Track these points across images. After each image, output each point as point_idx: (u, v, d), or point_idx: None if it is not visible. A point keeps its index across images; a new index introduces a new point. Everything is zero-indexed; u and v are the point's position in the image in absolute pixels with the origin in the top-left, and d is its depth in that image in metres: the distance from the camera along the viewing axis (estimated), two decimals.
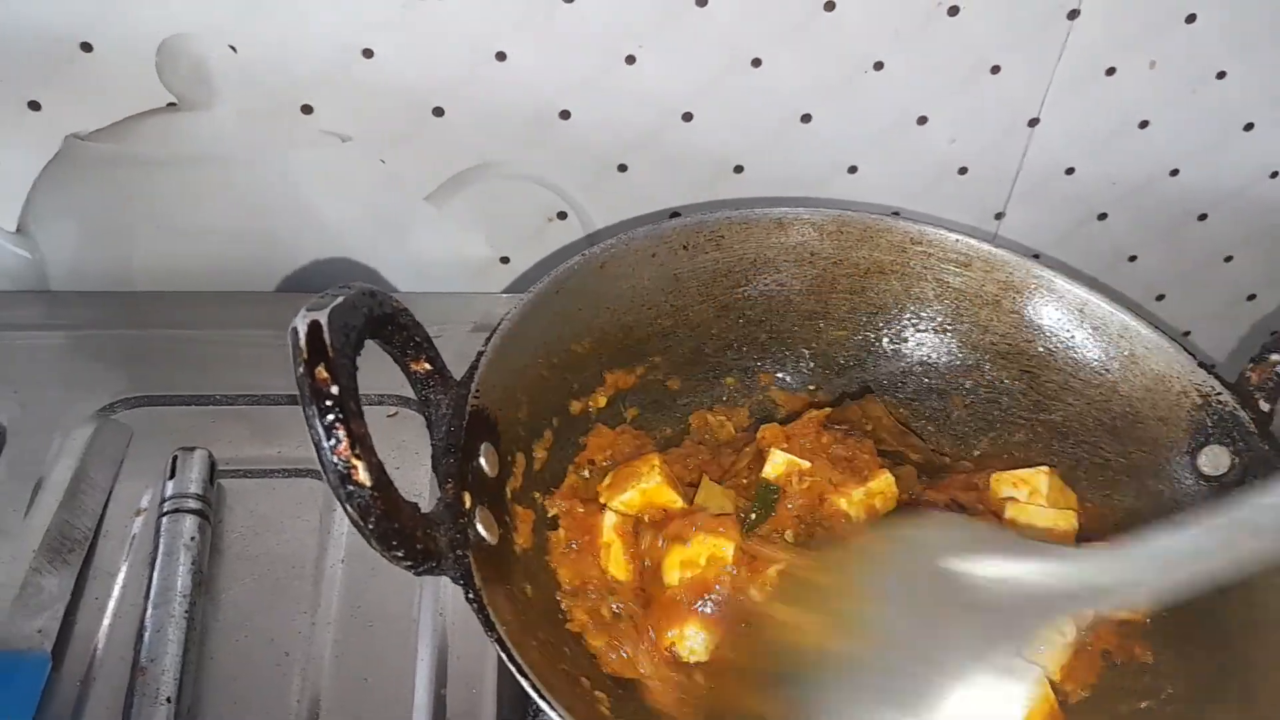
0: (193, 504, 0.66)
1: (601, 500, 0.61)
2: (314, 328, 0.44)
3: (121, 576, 0.65)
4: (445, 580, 0.65)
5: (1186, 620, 0.58)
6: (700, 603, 0.57)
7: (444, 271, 0.86)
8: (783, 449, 0.61)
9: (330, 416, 0.42)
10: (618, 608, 0.58)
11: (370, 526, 0.43)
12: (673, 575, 0.58)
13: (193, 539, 0.64)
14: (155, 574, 0.63)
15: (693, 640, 0.57)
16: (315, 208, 0.81)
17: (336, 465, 0.42)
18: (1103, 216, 0.90)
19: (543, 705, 0.44)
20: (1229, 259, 0.94)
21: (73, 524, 0.66)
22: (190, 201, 0.80)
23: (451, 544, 0.48)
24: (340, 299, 0.46)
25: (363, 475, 0.43)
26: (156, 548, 0.64)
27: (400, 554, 0.45)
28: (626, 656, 0.56)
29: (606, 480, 0.62)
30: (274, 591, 0.65)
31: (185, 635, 0.60)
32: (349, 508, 0.43)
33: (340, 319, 0.45)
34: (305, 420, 0.43)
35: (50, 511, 0.66)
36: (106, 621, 0.63)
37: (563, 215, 0.83)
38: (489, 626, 0.46)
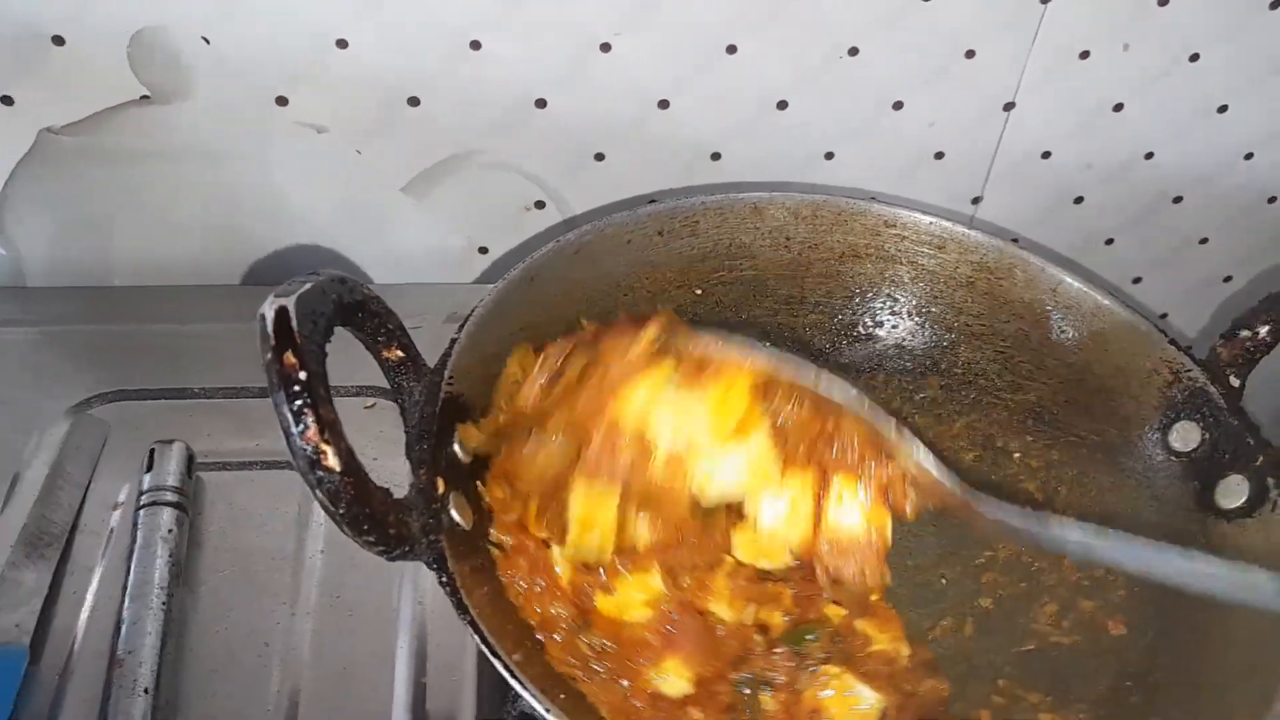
0: (170, 497, 0.66)
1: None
2: (281, 313, 0.44)
3: (99, 571, 0.65)
4: (425, 569, 0.66)
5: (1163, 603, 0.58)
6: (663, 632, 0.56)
7: (421, 262, 0.86)
8: None
9: (298, 402, 0.42)
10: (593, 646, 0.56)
11: (341, 511, 0.43)
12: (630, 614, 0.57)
13: (170, 531, 0.64)
14: (133, 567, 0.62)
15: (673, 677, 0.56)
16: (292, 200, 0.81)
17: (305, 450, 0.42)
18: (1079, 200, 0.90)
19: (516, 687, 0.44)
20: (1204, 241, 0.94)
21: (49, 519, 0.66)
22: (166, 195, 0.79)
23: (425, 529, 0.48)
24: (308, 285, 0.46)
25: (332, 460, 0.43)
26: (134, 541, 0.64)
27: (372, 539, 0.45)
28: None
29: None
30: (253, 583, 0.65)
31: (163, 627, 0.60)
32: (319, 493, 0.43)
33: (308, 305, 0.45)
34: (274, 406, 0.43)
35: (26, 507, 0.66)
36: (84, 615, 0.62)
37: (540, 204, 0.83)
38: (462, 609, 0.46)
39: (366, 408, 0.75)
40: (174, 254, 0.82)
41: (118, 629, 0.60)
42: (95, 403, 0.74)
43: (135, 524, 0.65)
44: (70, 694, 0.59)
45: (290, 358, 0.43)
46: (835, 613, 0.59)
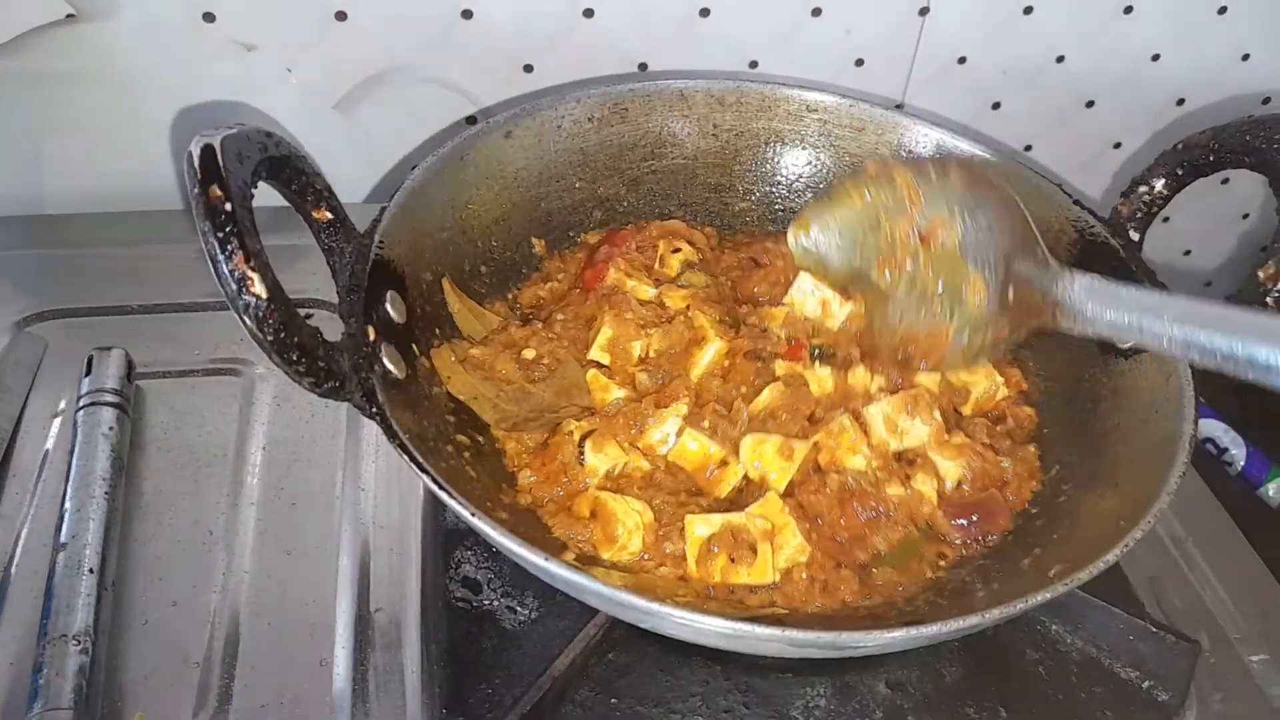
0: (110, 398, 0.66)
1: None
2: (207, 150, 0.45)
3: (41, 476, 0.65)
4: (366, 458, 0.67)
5: (1068, 425, 0.61)
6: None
7: (355, 182, 0.87)
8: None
9: (224, 230, 0.43)
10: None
11: (269, 339, 0.44)
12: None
13: (110, 429, 0.65)
14: (74, 461, 0.63)
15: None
16: (223, 120, 0.81)
17: (232, 275, 0.43)
18: (996, 106, 0.93)
19: (445, 499, 0.45)
20: (1118, 145, 0.98)
21: None
22: (96, 119, 0.79)
23: (355, 368, 0.49)
24: (234, 130, 0.47)
25: (258, 287, 0.44)
26: (75, 441, 0.64)
27: (301, 368, 0.46)
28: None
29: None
30: (196, 478, 0.66)
31: (106, 515, 0.60)
32: (245, 318, 0.44)
33: (234, 146, 0.46)
34: (201, 238, 0.44)
35: None
36: (28, 514, 0.63)
37: (472, 120, 0.85)
38: (391, 434, 0.47)
39: (304, 318, 0.76)
40: (106, 179, 0.82)
41: (61, 519, 0.60)
42: (32, 321, 0.74)
43: (75, 425, 0.65)
44: (16, 584, 0.59)
45: (216, 190, 0.44)
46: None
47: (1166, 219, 0.67)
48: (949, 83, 0.91)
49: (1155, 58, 0.93)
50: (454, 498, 0.45)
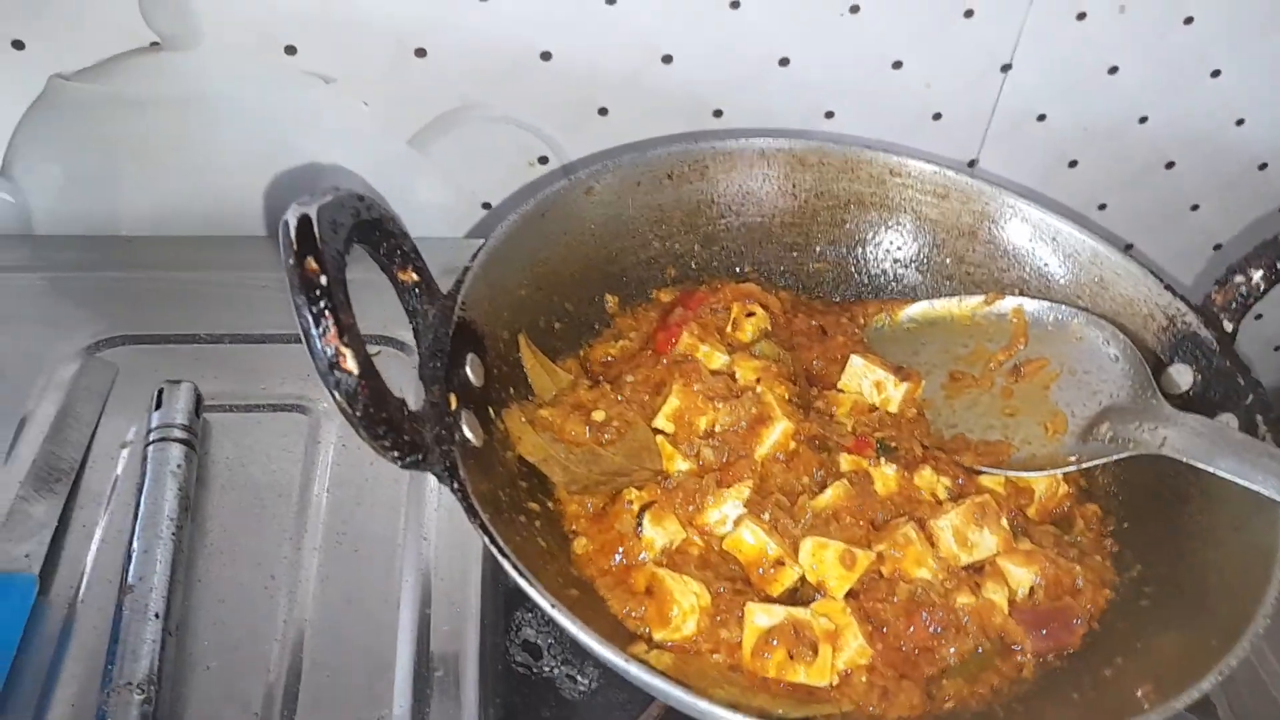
0: (179, 434, 0.66)
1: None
2: (304, 221, 0.44)
3: (109, 505, 0.65)
4: (429, 505, 0.67)
5: (1150, 522, 0.60)
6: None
7: (426, 216, 0.87)
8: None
9: (319, 305, 0.43)
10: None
11: (357, 414, 0.44)
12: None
13: (179, 466, 0.65)
14: (142, 499, 0.63)
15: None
16: (298, 150, 0.82)
17: (325, 352, 0.43)
18: (1073, 164, 0.91)
19: (524, 585, 0.45)
20: (1195, 207, 0.96)
21: (59, 455, 0.67)
22: (174, 144, 0.80)
23: (437, 439, 0.49)
24: (329, 197, 0.47)
25: (350, 363, 0.44)
26: (143, 476, 0.64)
27: (387, 443, 0.45)
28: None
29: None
30: (260, 519, 0.66)
31: (173, 556, 0.61)
32: (336, 394, 0.44)
33: (329, 215, 0.46)
34: (295, 310, 0.44)
35: (36, 444, 0.67)
36: (94, 547, 0.63)
37: (544, 160, 0.84)
38: (472, 513, 0.47)
39: (372, 355, 0.76)
40: (182, 203, 0.83)
41: (128, 558, 0.60)
42: (103, 347, 0.74)
43: (145, 459, 0.65)
44: (80, 620, 0.59)
45: (312, 263, 0.44)
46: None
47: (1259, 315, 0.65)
48: (1026, 138, 0.89)
49: (1240, 122, 0.91)
50: (537, 589, 0.44)
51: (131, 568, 0.59)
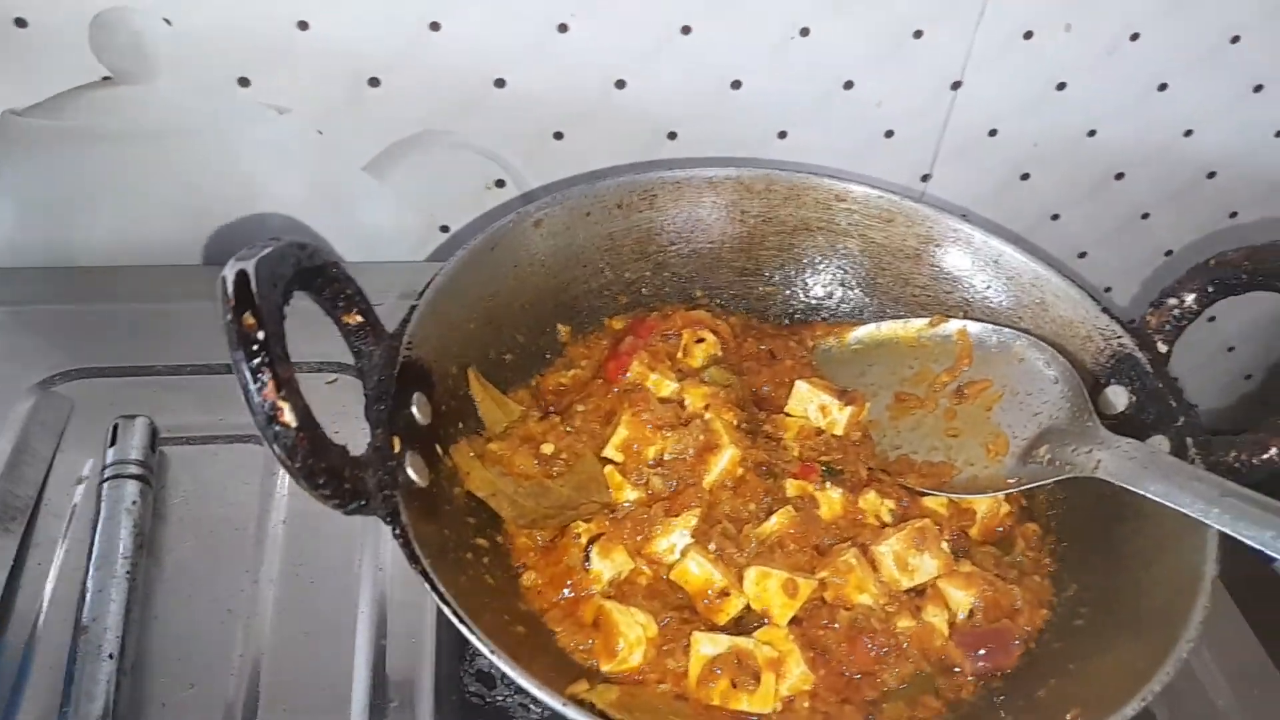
0: (134, 470, 0.67)
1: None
2: (241, 276, 0.45)
3: (64, 543, 0.65)
4: (385, 537, 0.67)
5: (1087, 542, 0.61)
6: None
7: (384, 241, 0.87)
8: None
9: (256, 360, 0.44)
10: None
11: (296, 465, 0.45)
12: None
13: (134, 503, 0.65)
14: (97, 538, 0.63)
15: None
16: (255, 180, 0.82)
17: (263, 407, 0.44)
18: (1025, 176, 0.93)
19: (465, 633, 0.45)
20: (1146, 216, 0.97)
21: (14, 493, 0.67)
22: (129, 177, 0.80)
23: (380, 484, 0.49)
24: (269, 249, 0.47)
25: (288, 416, 0.44)
26: (98, 513, 0.65)
27: (327, 492, 0.46)
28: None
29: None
30: (217, 553, 0.66)
31: (127, 595, 0.61)
32: (275, 447, 0.44)
33: (268, 268, 0.46)
34: (232, 365, 0.44)
35: None
36: (49, 586, 0.63)
37: (500, 183, 0.85)
38: (413, 559, 0.48)
39: (328, 383, 0.77)
40: (136, 235, 0.83)
41: (82, 597, 0.61)
42: (59, 380, 0.75)
43: (99, 497, 0.66)
44: (37, 661, 0.60)
45: (249, 318, 0.44)
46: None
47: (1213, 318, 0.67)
48: (978, 153, 0.90)
49: (1188, 133, 0.92)
50: (477, 635, 0.45)
51: (86, 608, 0.60)
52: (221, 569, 0.65)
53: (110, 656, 0.58)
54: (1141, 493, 0.54)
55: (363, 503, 0.48)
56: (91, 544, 0.63)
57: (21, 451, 0.69)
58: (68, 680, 0.57)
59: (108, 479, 0.66)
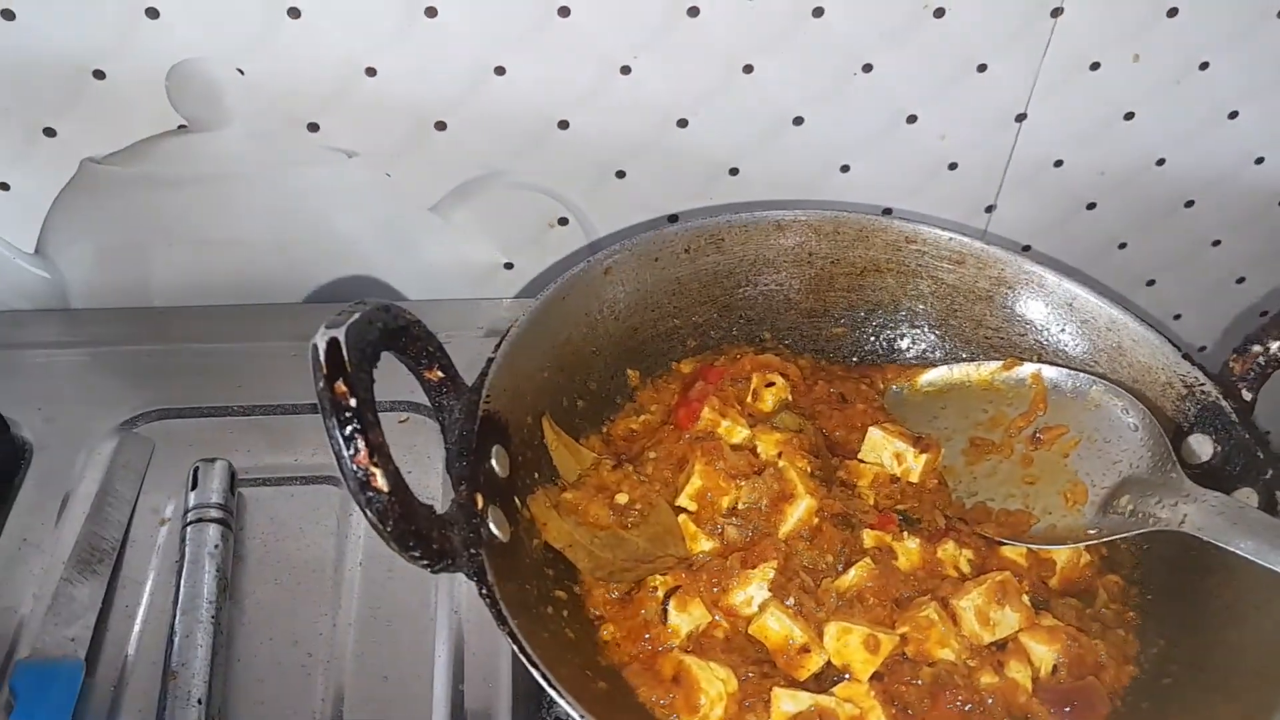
0: (215, 513, 0.68)
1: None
2: (332, 344, 0.46)
3: (149, 585, 0.67)
4: (460, 579, 0.68)
5: (1172, 595, 0.60)
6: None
7: (451, 279, 0.88)
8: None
9: (350, 428, 0.45)
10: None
11: (389, 529, 0.46)
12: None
13: (216, 547, 0.67)
14: (182, 582, 0.65)
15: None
16: (324, 221, 0.84)
17: (356, 473, 0.45)
18: (1092, 206, 0.92)
19: (552, 694, 0.46)
20: (1217, 243, 0.96)
21: (100, 535, 0.69)
22: (203, 219, 0.82)
23: (465, 543, 0.50)
24: (356, 315, 0.48)
25: (381, 482, 0.45)
26: (182, 557, 0.66)
27: (417, 554, 0.47)
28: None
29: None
30: (296, 595, 0.68)
31: (213, 640, 0.63)
32: (369, 513, 0.45)
33: (357, 334, 0.47)
34: (326, 432, 0.45)
35: (78, 524, 0.69)
36: (136, 628, 0.65)
37: (564, 221, 0.86)
38: (501, 620, 0.48)
39: (400, 423, 0.78)
40: (212, 275, 0.85)
41: (170, 642, 0.62)
42: (140, 421, 0.77)
43: (183, 540, 0.67)
44: (126, 704, 0.61)
45: (341, 386, 0.45)
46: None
47: None
48: (1043, 183, 0.89)
49: (1259, 160, 0.91)
50: (566, 699, 0.45)
51: (174, 653, 0.62)
52: (300, 611, 0.67)
53: (199, 702, 0.59)
54: (1231, 549, 0.53)
55: (449, 562, 0.49)
56: (177, 587, 0.65)
57: (107, 493, 0.71)
58: None
59: (190, 523, 0.68)
